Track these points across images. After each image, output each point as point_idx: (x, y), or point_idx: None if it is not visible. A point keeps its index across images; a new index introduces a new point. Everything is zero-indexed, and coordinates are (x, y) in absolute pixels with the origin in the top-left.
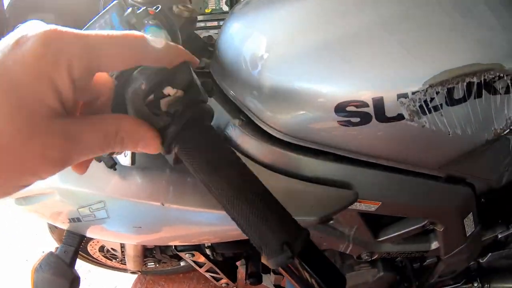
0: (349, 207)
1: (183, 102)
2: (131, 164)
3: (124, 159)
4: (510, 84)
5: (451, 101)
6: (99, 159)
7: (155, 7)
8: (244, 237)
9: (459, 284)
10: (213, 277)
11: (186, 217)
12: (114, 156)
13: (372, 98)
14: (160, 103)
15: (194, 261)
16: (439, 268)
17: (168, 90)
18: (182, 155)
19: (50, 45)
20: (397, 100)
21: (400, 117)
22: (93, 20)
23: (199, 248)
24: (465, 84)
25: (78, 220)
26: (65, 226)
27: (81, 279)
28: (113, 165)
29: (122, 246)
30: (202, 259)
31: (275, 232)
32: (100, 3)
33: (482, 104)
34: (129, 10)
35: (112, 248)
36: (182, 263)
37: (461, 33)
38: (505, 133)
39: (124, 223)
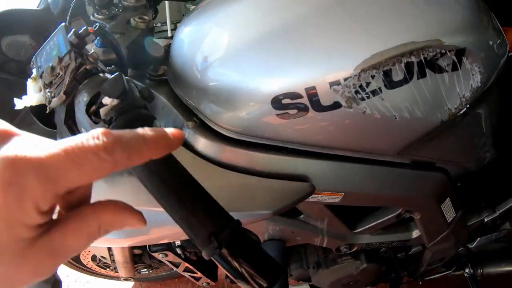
0: (313, 200)
1: (118, 109)
2: None
3: None
4: (456, 60)
5: (391, 83)
6: None
7: (94, 25)
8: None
9: (450, 271)
10: (192, 277)
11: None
12: None
13: (305, 89)
14: (100, 111)
15: (169, 262)
16: (426, 257)
17: (105, 100)
18: None
19: (10, 190)
20: (330, 88)
21: (337, 105)
22: (45, 43)
23: (170, 247)
24: (403, 64)
25: None
26: None
27: None
28: None
29: (111, 253)
30: (177, 259)
31: (203, 224)
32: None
33: (428, 84)
34: (72, 31)
35: (101, 256)
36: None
37: (393, 12)
38: (461, 112)
39: None
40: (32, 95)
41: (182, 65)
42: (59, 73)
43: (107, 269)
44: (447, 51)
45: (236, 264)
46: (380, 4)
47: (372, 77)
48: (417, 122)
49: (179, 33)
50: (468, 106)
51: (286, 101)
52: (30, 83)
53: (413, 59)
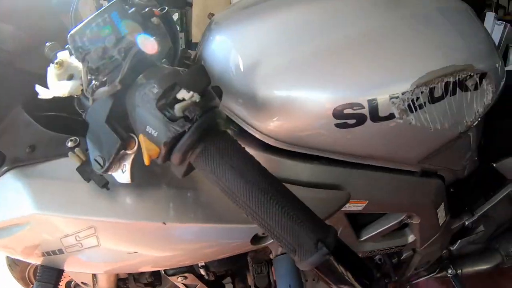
0: None
1: (201, 106)
2: (131, 180)
3: (121, 176)
4: (478, 81)
5: (432, 99)
6: (88, 179)
7: (160, 8)
8: (247, 250)
9: (434, 273)
10: None
11: (189, 235)
12: (109, 173)
13: (367, 100)
14: (175, 108)
15: (185, 285)
16: (415, 260)
17: (183, 93)
18: (201, 164)
19: None
20: (389, 100)
21: (391, 116)
22: (89, 18)
23: (192, 269)
24: (443, 83)
25: (60, 252)
26: (39, 261)
27: None
28: (105, 184)
29: (95, 279)
30: (196, 281)
31: (309, 231)
32: (71, 15)
33: (456, 100)
34: (133, 9)
35: (82, 282)
36: None
37: (438, 40)
38: (474, 124)
39: (117, 250)
40: (63, 84)
41: (218, 72)
42: (113, 57)
43: None
44: (475, 74)
45: (342, 270)
46: (429, 31)
47: (422, 92)
48: (443, 133)
49: (211, 41)
50: (479, 119)
51: (348, 111)
52: (54, 70)
53: (451, 79)
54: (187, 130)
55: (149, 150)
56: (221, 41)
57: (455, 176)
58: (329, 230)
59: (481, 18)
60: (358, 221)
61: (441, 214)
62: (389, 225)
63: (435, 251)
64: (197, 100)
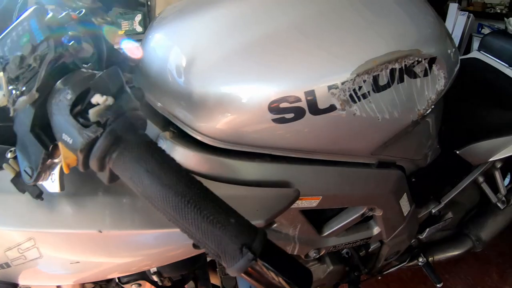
0: (291, 206)
1: (114, 110)
2: (60, 189)
3: (51, 185)
4: (427, 67)
5: (377, 87)
6: (23, 190)
7: (78, 11)
8: (191, 254)
9: (405, 263)
10: None
11: (128, 242)
12: (40, 183)
13: (304, 92)
14: (89, 113)
15: None
16: (384, 251)
17: (97, 98)
18: (119, 169)
19: None
20: (328, 91)
21: (332, 108)
22: (10, 28)
23: (145, 275)
24: (388, 70)
25: (8, 265)
26: None
27: None
28: (39, 194)
29: None
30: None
31: (232, 236)
32: (15, 11)
33: (405, 88)
34: (50, 14)
35: None
36: None
37: (383, 23)
38: (427, 112)
39: (59, 261)
40: None
41: (157, 72)
42: (30, 65)
43: None
44: (423, 59)
45: (271, 275)
46: (370, 15)
47: (364, 81)
48: (394, 123)
49: (150, 40)
50: (432, 107)
51: (284, 105)
52: None
53: (397, 66)
54: (99, 135)
55: (66, 158)
56: (157, 40)
57: (416, 165)
58: (256, 233)
59: (445, 9)
60: (319, 217)
61: (404, 205)
62: (350, 219)
63: (403, 241)
64: (111, 104)
